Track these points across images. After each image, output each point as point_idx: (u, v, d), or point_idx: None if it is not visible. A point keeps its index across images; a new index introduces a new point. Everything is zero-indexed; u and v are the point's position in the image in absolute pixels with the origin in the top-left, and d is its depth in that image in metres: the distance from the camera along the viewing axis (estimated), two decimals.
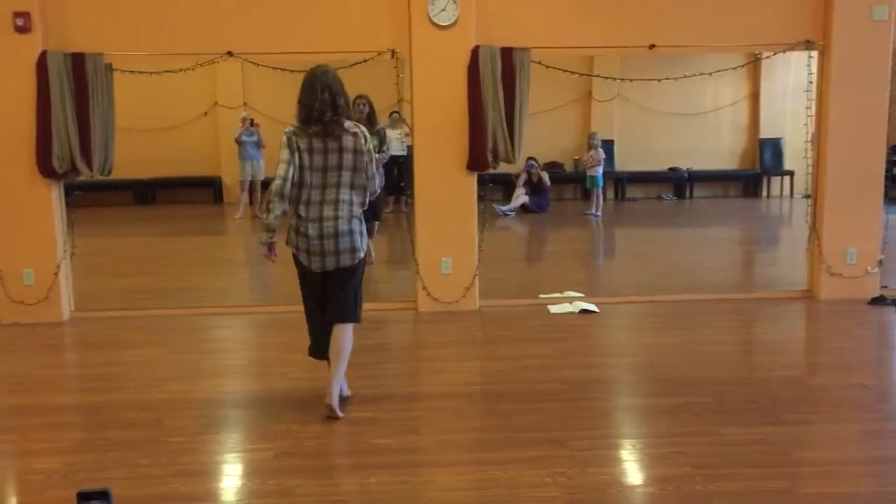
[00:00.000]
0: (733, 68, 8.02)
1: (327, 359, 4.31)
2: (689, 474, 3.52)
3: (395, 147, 12.11)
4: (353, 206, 4.14)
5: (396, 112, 11.64)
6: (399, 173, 11.82)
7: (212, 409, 4.46)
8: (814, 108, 6.61)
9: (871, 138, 6.46)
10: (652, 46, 6.37)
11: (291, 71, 6.46)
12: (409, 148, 6.70)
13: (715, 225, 12.32)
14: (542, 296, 6.84)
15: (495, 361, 5.30)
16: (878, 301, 6.46)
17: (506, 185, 13.20)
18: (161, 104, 13.27)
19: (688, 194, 14.71)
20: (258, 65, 6.32)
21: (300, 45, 6.24)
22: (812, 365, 5.36)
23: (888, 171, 6.70)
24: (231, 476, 3.71)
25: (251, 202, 12.37)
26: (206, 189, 14.41)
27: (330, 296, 4.24)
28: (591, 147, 12.46)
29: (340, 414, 4.20)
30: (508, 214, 12.50)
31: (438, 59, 6.23)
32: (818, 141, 6.62)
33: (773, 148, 14.69)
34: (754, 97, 14.86)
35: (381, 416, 4.27)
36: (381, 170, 8.09)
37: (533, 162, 12.72)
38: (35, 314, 6.26)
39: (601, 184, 12.49)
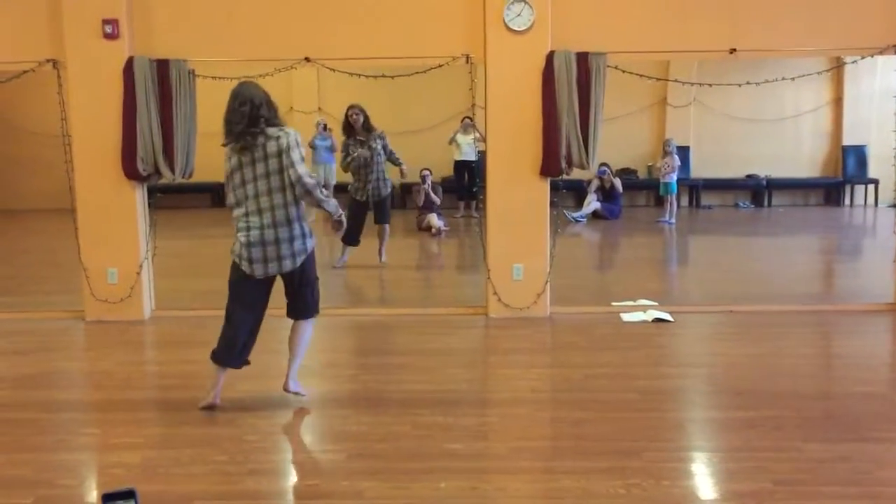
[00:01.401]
0: (817, 73, 7.77)
1: (236, 365, 4.46)
2: (770, 490, 3.42)
3: (466, 152, 12.17)
4: (289, 208, 4.19)
5: (468, 117, 11.68)
6: (470, 178, 11.85)
7: (285, 409, 4.53)
8: None
9: None
10: (733, 51, 6.22)
11: (366, 76, 6.55)
12: (481, 153, 6.70)
13: (794, 234, 11.96)
14: (614, 304, 6.75)
15: (566, 369, 5.24)
16: None
17: (577, 192, 13.07)
18: None
19: (766, 202, 14.31)
20: (334, 70, 6.41)
21: (375, 50, 6.32)
22: None
23: None
24: (304, 476, 3.76)
25: None
26: None
27: (288, 295, 4.44)
28: (665, 153, 12.25)
29: (303, 392, 4.51)
30: (580, 221, 12.39)
31: (513, 65, 6.21)
32: None
33: (856, 155, 14.18)
34: (837, 102, 14.37)
35: (451, 420, 4.27)
36: (382, 168, 8.40)
37: (605, 168, 12.57)
38: (118, 312, 6.47)
39: (675, 190, 12.26)
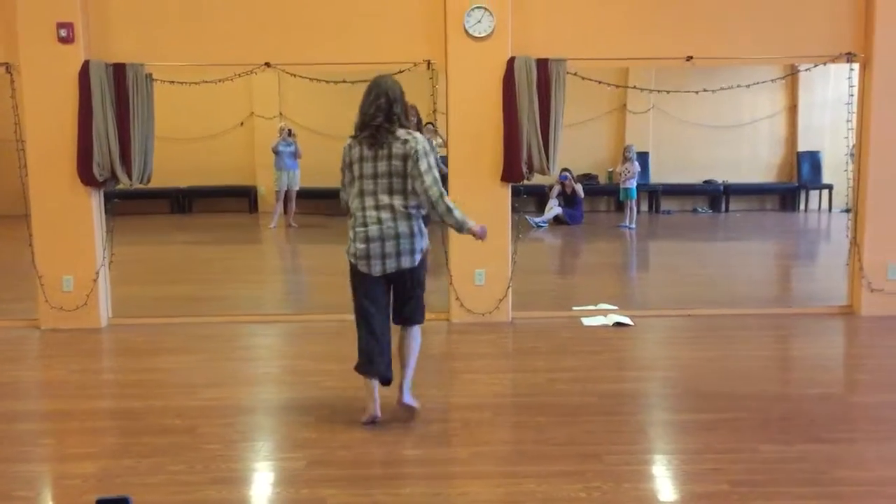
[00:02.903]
0: (771, 80, 7.93)
1: (383, 378, 4.28)
2: (727, 492, 3.47)
3: None
4: (409, 209, 4.11)
5: (431, 123, 11.69)
6: None
7: (246, 417, 4.49)
8: (854, 122, 6.51)
9: None
10: (689, 58, 6.32)
11: (327, 82, 6.53)
12: (443, 158, 6.71)
13: (751, 238, 12.17)
14: (575, 308, 6.80)
15: (528, 374, 5.27)
16: None
17: (539, 197, 13.17)
18: (198, 114, 13.44)
19: (724, 207, 14.54)
20: (295, 75, 6.38)
21: (336, 56, 6.30)
22: (852, 382, 5.25)
23: None
24: (264, 484, 3.73)
25: (286, 211, 12.47)
26: (242, 198, 14.56)
27: (399, 299, 4.27)
28: (626, 159, 12.39)
29: (416, 405, 4.33)
30: (542, 226, 12.46)
31: (474, 71, 6.24)
32: (859, 154, 6.51)
33: (811, 161, 14.48)
34: (792, 110, 14.67)
35: (413, 426, 4.26)
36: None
37: (566, 174, 12.67)
38: (73, 320, 6.35)
39: (635, 196, 12.40)
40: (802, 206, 14.65)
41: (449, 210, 4.09)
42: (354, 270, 4.21)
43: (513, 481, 3.63)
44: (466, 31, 6.18)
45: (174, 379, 5.18)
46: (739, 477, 3.60)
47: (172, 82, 6.35)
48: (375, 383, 4.25)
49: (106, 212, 6.57)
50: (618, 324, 6.34)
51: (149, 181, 6.42)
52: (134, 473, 3.72)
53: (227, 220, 13.72)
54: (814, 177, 14.47)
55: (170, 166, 12.60)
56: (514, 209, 6.57)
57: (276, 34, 6.30)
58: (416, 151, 4.05)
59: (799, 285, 8.82)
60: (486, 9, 6.14)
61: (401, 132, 4.11)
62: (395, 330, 4.35)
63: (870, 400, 4.72)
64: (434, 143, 11.73)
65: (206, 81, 6.48)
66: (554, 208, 12.79)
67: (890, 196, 6.38)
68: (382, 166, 4.09)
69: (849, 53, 6.32)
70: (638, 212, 12.74)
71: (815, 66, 6.61)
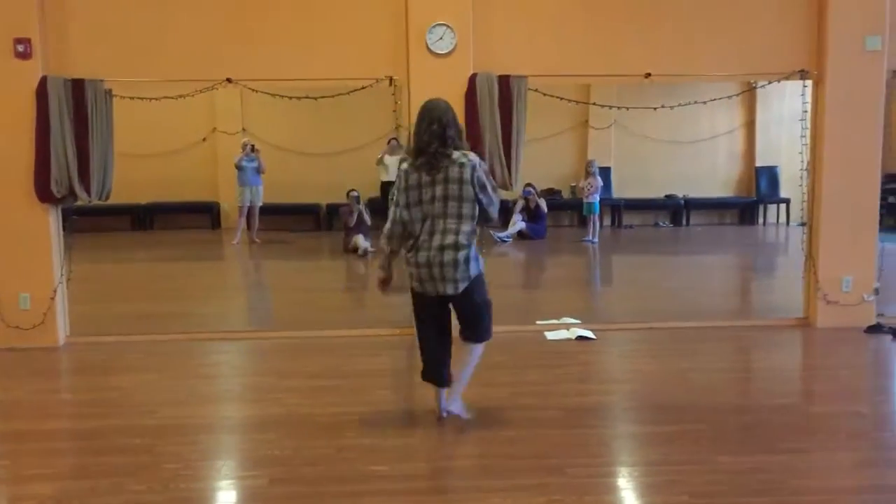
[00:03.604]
0: (728, 97, 8.09)
1: (441, 383, 4.43)
2: (686, 503, 3.51)
3: (394, 173, 12.19)
4: (462, 234, 4.17)
5: (395, 139, 11.72)
6: None
7: (207, 435, 4.44)
8: (808, 137, 6.66)
9: (866, 167, 6.51)
10: (648, 75, 6.43)
11: (290, 97, 6.54)
12: None
13: (711, 252, 12.35)
14: (539, 322, 6.84)
15: (492, 388, 5.27)
16: (875, 329, 6.46)
17: (503, 212, 13.21)
18: (160, 130, 13.34)
19: (684, 221, 14.75)
20: (257, 91, 6.37)
21: (299, 71, 6.31)
22: (808, 393, 5.35)
23: (883, 199, 6.74)
24: (226, 503, 3.68)
25: (249, 227, 12.39)
26: (204, 214, 14.44)
27: (462, 317, 4.37)
28: (588, 174, 12.52)
29: (465, 415, 4.43)
30: (506, 241, 12.53)
31: (436, 87, 6.20)
32: (813, 169, 6.66)
33: (769, 176, 14.77)
34: (750, 125, 14.98)
35: (377, 442, 4.25)
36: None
37: (530, 189, 12.77)
38: (30, 339, 6.24)
39: (598, 210, 12.53)
40: (761, 220, 14.94)
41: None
42: (414, 292, 4.33)
43: (476, 496, 3.64)
44: (428, 48, 6.22)
45: (133, 398, 5.11)
46: (699, 488, 3.64)
47: (133, 98, 6.30)
48: (442, 389, 4.44)
49: (64, 229, 6.48)
50: (581, 337, 6.39)
51: (108, 197, 6.35)
52: (92, 494, 3.66)
53: (190, 237, 13.59)
54: (771, 191, 14.76)
55: (131, 182, 12.49)
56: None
57: (238, 50, 6.28)
58: (479, 179, 4.15)
59: (757, 298, 8.97)
60: (447, 26, 6.20)
61: (456, 154, 4.16)
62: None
63: (826, 410, 4.81)
64: (399, 158, 11.78)
65: (167, 97, 6.44)
66: (518, 223, 12.87)
67: (843, 210, 6.53)
68: (439, 190, 4.15)
69: (802, 71, 6.47)
70: (601, 226, 12.87)
71: (771, 82, 6.76)
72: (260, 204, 12.37)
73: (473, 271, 4.24)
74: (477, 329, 4.39)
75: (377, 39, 6.33)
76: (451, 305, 4.36)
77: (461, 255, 4.17)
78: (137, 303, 8.29)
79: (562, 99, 6.75)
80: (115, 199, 6.57)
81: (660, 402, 4.88)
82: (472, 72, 6.25)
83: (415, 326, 4.46)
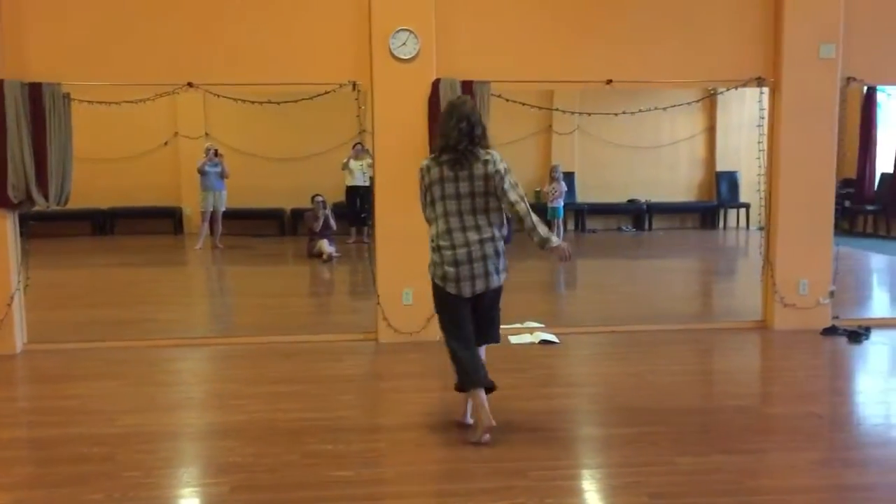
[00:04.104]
0: (688, 103, 8.22)
1: (490, 384, 4.31)
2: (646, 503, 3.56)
3: (359, 177, 12.18)
4: (493, 228, 4.20)
5: (360, 143, 11.71)
6: (362, 204, 11.86)
7: (168, 443, 4.39)
8: (765, 143, 6.79)
9: (821, 172, 6.65)
10: (609, 81, 6.51)
11: (252, 102, 6.51)
12: (372, 179, 6.74)
13: (673, 256, 12.51)
14: (503, 326, 6.83)
15: (455, 393, 5.28)
16: (830, 331, 6.60)
17: None
18: (121, 134, 13.19)
19: (647, 226, 14.92)
20: (219, 96, 6.33)
21: (261, 76, 6.28)
22: (766, 394, 5.45)
23: (838, 203, 6.89)
24: None
25: (212, 233, 12.29)
26: (167, 219, 14.29)
27: (481, 320, 4.33)
28: (552, 179, 12.61)
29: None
30: None
31: (400, 92, 6.29)
32: (770, 174, 6.79)
33: (729, 181, 15.01)
34: (711, 131, 15.21)
35: (340, 448, 4.24)
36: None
37: None
38: None
39: (562, 215, 12.62)
40: (721, 224, 15.17)
41: (534, 226, 4.20)
42: (443, 293, 4.26)
43: (439, 500, 3.65)
44: (392, 53, 6.23)
45: (92, 405, 5.03)
46: (658, 489, 3.69)
47: (91, 102, 6.22)
48: (483, 395, 4.26)
49: (21, 234, 6.38)
50: (544, 341, 6.43)
51: (66, 202, 6.26)
52: None
53: (152, 242, 13.43)
54: (731, 196, 14.99)
55: (91, 187, 12.37)
56: None
57: (199, 54, 6.24)
58: (498, 171, 4.13)
59: (717, 301, 9.11)
60: (411, 31, 6.21)
61: (481, 152, 4.17)
62: None
63: (783, 411, 4.90)
64: (364, 163, 11.77)
65: (127, 102, 6.37)
66: None
67: (799, 215, 6.66)
68: (465, 187, 4.15)
69: (759, 78, 6.60)
70: (565, 231, 12.96)
71: (729, 89, 6.88)
72: (223, 209, 12.29)
73: (506, 264, 4.30)
74: (495, 328, 4.42)
75: (340, 44, 6.32)
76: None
77: (499, 246, 4.23)
78: (97, 309, 8.18)
79: (524, 104, 6.80)
80: (75, 203, 6.49)
81: (621, 405, 4.93)
82: (435, 77, 6.27)
83: (446, 336, 4.34)
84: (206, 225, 12.24)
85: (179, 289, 9.90)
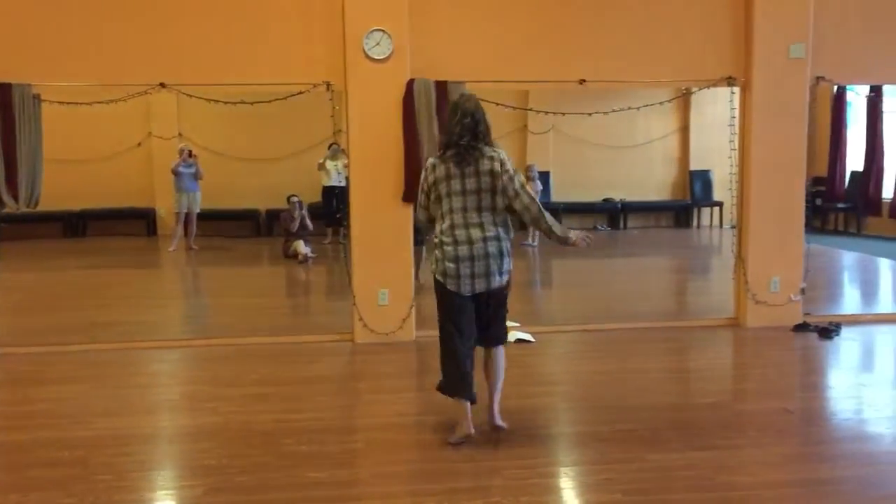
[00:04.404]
0: (660, 103, 8.29)
1: (473, 397, 4.24)
2: (620, 501, 3.58)
3: (335, 178, 12.14)
4: (498, 228, 4.16)
5: (335, 143, 11.68)
6: (337, 205, 11.83)
7: (141, 446, 4.36)
8: (737, 142, 6.86)
9: (792, 170, 6.74)
10: (582, 81, 6.55)
11: (225, 102, 6.47)
12: (348, 179, 6.73)
13: (647, 255, 12.60)
14: None
15: (431, 392, 5.25)
16: (801, 328, 6.69)
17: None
18: (93, 134, 13.04)
19: (622, 225, 15.02)
20: (191, 96, 6.29)
21: (235, 76, 6.25)
22: (738, 391, 5.51)
23: (809, 202, 6.97)
24: None
25: (186, 234, 12.20)
26: (140, 221, 14.16)
27: (485, 319, 4.26)
28: (528, 178, 12.64)
29: (505, 425, 4.28)
30: None
31: (374, 92, 6.29)
32: (741, 173, 6.87)
33: (702, 179, 15.13)
34: (684, 130, 15.32)
35: (315, 449, 4.24)
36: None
37: None
38: None
39: None
40: (695, 223, 15.29)
41: (550, 226, 4.18)
42: (443, 289, 4.19)
43: (414, 500, 3.66)
44: (366, 53, 6.23)
45: (64, 409, 4.98)
46: (631, 486, 3.73)
47: (62, 103, 6.16)
48: (468, 403, 4.23)
49: None
50: (519, 340, 6.46)
51: (37, 204, 6.20)
52: None
53: (125, 244, 13.30)
54: (705, 194, 15.12)
55: (63, 189, 12.20)
56: (417, 229, 6.62)
57: (172, 54, 6.20)
58: (507, 171, 4.11)
59: (691, 299, 9.19)
60: (384, 31, 6.21)
61: (486, 149, 4.15)
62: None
63: (754, 407, 4.97)
64: (340, 163, 11.73)
65: (99, 102, 6.31)
66: None
67: (771, 213, 6.74)
68: (470, 183, 4.11)
69: (730, 77, 6.67)
70: None
71: (700, 89, 6.94)
72: (198, 210, 12.19)
73: (509, 265, 4.24)
74: (502, 328, 4.36)
75: (314, 45, 6.31)
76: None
77: (504, 246, 4.17)
78: (69, 312, 8.09)
79: (498, 104, 6.81)
80: (46, 205, 6.42)
81: (595, 403, 4.97)
82: (409, 77, 6.28)
83: (442, 334, 4.26)
84: (181, 226, 12.15)
85: (153, 291, 9.82)
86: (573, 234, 4.28)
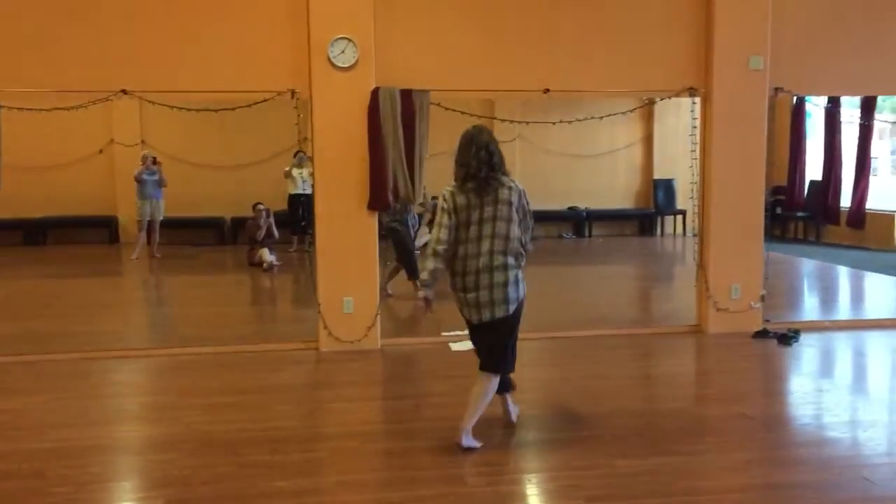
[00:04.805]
0: (623, 113, 8.38)
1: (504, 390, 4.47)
2: None
3: (300, 186, 12.09)
4: (507, 257, 4.19)
5: (301, 151, 11.64)
6: (303, 212, 11.77)
7: (100, 457, 4.30)
8: (698, 152, 6.96)
9: (751, 179, 6.84)
10: (546, 91, 6.60)
11: (188, 109, 6.42)
12: (314, 187, 6.71)
13: (612, 263, 12.71)
14: (443, 334, 6.89)
15: (395, 400, 5.31)
16: (761, 334, 6.79)
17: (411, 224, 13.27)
18: (54, 141, 12.88)
19: (587, 233, 15.15)
20: (154, 103, 6.23)
21: (198, 83, 6.21)
22: (699, 397, 5.58)
23: (770, 210, 7.08)
24: None
25: (149, 242, 12.06)
26: (102, 229, 13.96)
27: (490, 347, 4.33)
28: None
29: (477, 444, 4.28)
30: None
31: (339, 100, 6.28)
32: (703, 182, 6.96)
33: (665, 188, 15.32)
34: (648, 140, 15.52)
35: (278, 458, 4.20)
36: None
37: (437, 201, 12.84)
38: None
39: None
40: (659, 231, 15.47)
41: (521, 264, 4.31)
42: (462, 314, 4.34)
43: None
44: (330, 62, 6.22)
45: (21, 420, 4.89)
46: (595, 492, 3.75)
47: (21, 109, 6.06)
48: (507, 395, 4.53)
49: None
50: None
51: None
52: None
53: (86, 252, 13.10)
54: (668, 203, 15.31)
55: (22, 196, 12.04)
56: (382, 237, 6.62)
57: (134, 61, 6.14)
58: (523, 204, 4.25)
59: (655, 306, 9.28)
60: (349, 39, 6.21)
61: (504, 179, 4.23)
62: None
63: (715, 413, 5.03)
64: (306, 171, 11.67)
65: (59, 109, 6.23)
66: (424, 235, 12.91)
67: (731, 221, 6.84)
68: (489, 211, 4.18)
69: (691, 88, 6.77)
70: None
71: (662, 99, 7.03)
72: (161, 218, 12.06)
73: (522, 293, 4.29)
74: (503, 359, 4.35)
75: (279, 52, 6.28)
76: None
77: (511, 275, 4.20)
78: (28, 322, 7.95)
79: (464, 113, 6.85)
80: (5, 213, 6.35)
81: (560, 409, 5.00)
82: (374, 86, 6.28)
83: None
84: (143, 234, 12.00)
85: (115, 300, 9.68)
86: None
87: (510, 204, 4.19)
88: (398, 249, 8.84)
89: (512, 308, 4.24)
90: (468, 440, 4.28)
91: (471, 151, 4.22)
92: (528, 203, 4.29)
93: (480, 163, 4.18)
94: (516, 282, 4.24)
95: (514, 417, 4.66)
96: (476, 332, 4.36)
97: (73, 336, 7.16)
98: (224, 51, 6.23)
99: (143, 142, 13.59)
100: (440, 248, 4.19)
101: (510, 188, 4.22)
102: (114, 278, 11.40)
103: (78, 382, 5.75)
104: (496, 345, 4.32)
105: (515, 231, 4.22)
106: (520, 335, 6.75)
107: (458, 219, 4.21)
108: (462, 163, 4.25)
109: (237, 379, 5.79)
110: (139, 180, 11.84)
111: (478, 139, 4.25)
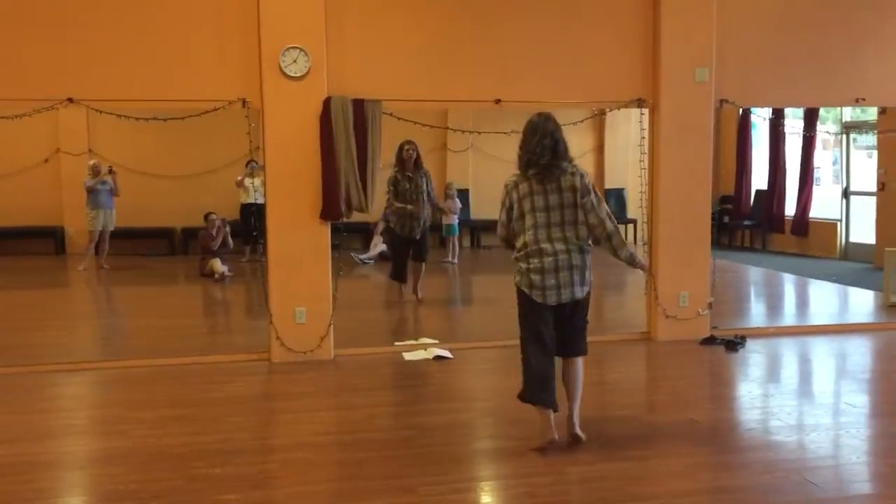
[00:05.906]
0: (574, 123, 8.47)
1: (552, 404, 4.37)
2: None
3: (253, 195, 11.98)
4: (580, 240, 4.30)
5: (254, 160, 11.54)
6: (256, 222, 11.66)
7: (46, 473, 4.22)
8: (647, 162, 7.09)
9: (698, 189, 6.99)
10: (498, 101, 6.67)
11: (137, 119, 6.35)
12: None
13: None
14: (397, 343, 6.90)
15: (348, 410, 5.29)
16: (709, 341, 6.92)
17: (364, 234, 13.26)
18: None
19: None
20: (101, 112, 6.14)
21: (147, 92, 6.14)
22: (649, 403, 5.67)
23: (717, 219, 7.23)
24: None
25: (97, 253, 11.84)
26: (48, 239, 13.65)
27: (566, 330, 4.42)
28: (447, 196, 12.74)
29: (584, 436, 4.40)
30: (368, 262, 12.55)
31: (291, 110, 6.26)
32: (651, 192, 7.09)
33: (617, 197, 15.51)
34: (599, 150, 15.72)
35: (228, 471, 4.17)
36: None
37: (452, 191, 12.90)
38: None
39: (457, 232, 12.77)
40: None
41: (622, 244, 4.38)
42: (529, 301, 4.35)
43: None
44: (282, 71, 6.20)
45: None
46: (546, 499, 3.79)
47: None
48: (550, 411, 4.37)
49: None
50: (438, 357, 6.49)
51: None
52: None
53: (31, 263, 12.80)
54: (620, 212, 15.49)
55: None
56: (335, 246, 6.60)
57: (81, 69, 6.04)
58: (586, 185, 4.28)
59: (607, 314, 9.37)
60: (301, 49, 6.20)
61: (566, 165, 4.30)
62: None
63: (663, 419, 5.12)
64: (258, 180, 11.57)
65: (3, 117, 6.11)
66: (379, 245, 12.92)
67: (679, 230, 6.97)
68: (553, 199, 4.26)
69: (639, 99, 6.90)
70: (460, 247, 13.11)
71: (611, 110, 7.15)
72: (112, 228, 11.86)
73: (589, 280, 4.38)
74: (583, 341, 4.50)
75: (229, 61, 6.25)
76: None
77: (581, 261, 4.32)
78: None
79: (416, 123, 6.88)
80: None
81: (511, 417, 5.02)
82: (326, 95, 6.28)
83: (523, 342, 4.48)
84: (93, 245, 11.78)
85: (62, 312, 9.48)
86: (639, 259, 4.55)
87: (574, 190, 4.29)
88: (424, 250, 9.05)
89: (587, 289, 4.41)
90: (579, 430, 4.43)
91: (535, 138, 4.31)
92: (591, 182, 4.36)
93: (544, 149, 4.28)
94: (589, 266, 4.39)
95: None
96: (545, 315, 4.37)
97: (19, 349, 7.00)
98: (174, 59, 6.17)
99: (90, 151, 13.34)
100: (501, 231, 4.49)
101: (573, 174, 4.31)
102: (61, 290, 11.17)
103: (22, 396, 5.62)
104: (577, 327, 4.46)
105: (583, 216, 4.30)
106: (471, 344, 6.89)
107: (521, 208, 4.33)
108: (526, 150, 4.35)
109: (187, 391, 5.72)
110: (92, 190, 11.62)
111: (543, 127, 4.34)
